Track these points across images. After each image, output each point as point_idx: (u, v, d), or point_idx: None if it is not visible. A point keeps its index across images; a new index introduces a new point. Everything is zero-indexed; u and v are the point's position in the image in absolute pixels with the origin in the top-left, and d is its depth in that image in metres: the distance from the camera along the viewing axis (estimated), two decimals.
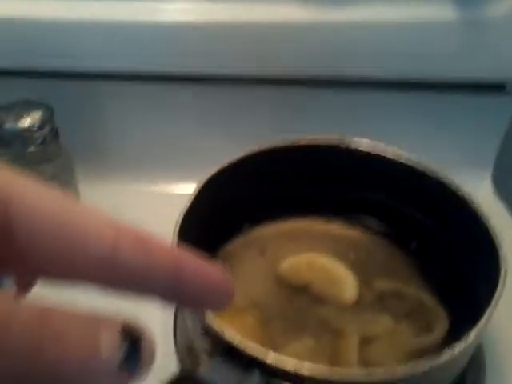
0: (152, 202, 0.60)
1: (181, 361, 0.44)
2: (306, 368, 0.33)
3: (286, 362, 0.33)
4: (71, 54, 0.56)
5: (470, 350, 0.38)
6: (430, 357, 0.41)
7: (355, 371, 0.32)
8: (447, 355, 0.34)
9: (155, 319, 0.48)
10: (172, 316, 0.47)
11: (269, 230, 0.52)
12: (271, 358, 0.33)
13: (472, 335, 0.35)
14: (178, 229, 0.41)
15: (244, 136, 0.55)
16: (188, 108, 0.60)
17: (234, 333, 0.35)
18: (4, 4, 0.55)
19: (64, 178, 0.55)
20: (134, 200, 0.61)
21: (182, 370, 0.34)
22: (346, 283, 0.47)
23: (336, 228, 0.52)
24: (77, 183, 0.58)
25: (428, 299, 0.46)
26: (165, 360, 0.43)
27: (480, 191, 0.62)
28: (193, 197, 0.43)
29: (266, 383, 0.33)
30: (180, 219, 0.42)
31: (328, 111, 0.60)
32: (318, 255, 0.49)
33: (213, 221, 0.48)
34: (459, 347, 0.35)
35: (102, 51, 0.56)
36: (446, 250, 0.47)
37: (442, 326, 0.44)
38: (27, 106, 0.51)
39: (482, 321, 0.35)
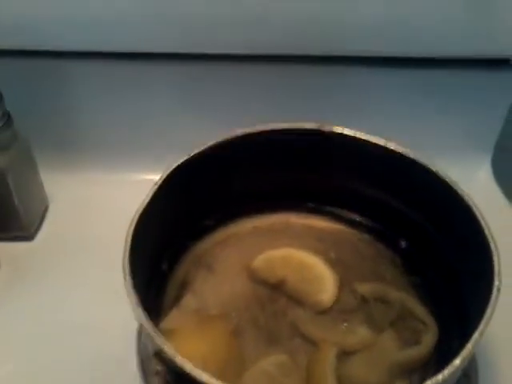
0: (123, 191, 0.56)
1: (144, 372, 0.41)
2: None
3: None
4: (22, 31, 0.50)
5: (458, 372, 0.34)
6: (415, 374, 0.38)
7: None
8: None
9: (119, 326, 0.44)
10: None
11: (243, 227, 0.48)
12: None
13: (459, 360, 0.31)
14: (131, 232, 0.36)
15: (220, 120, 0.50)
16: (157, 91, 0.55)
17: (191, 353, 0.31)
18: None
19: (23, 169, 0.50)
20: (103, 189, 0.57)
21: None
22: (324, 282, 0.43)
23: (317, 223, 0.48)
24: (38, 173, 0.54)
25: (416, 306, 0.41)
26: (128, 368, 0.41)
27: (479, 176, 0.58)
28: (150, 194, 0.39)
29: None
30: (134, 221, 0.37)
31: (310, 91, 0.55)
32: (294, 250, 0.45)
33: (178, 219, 0.43)
34: (444, 374, 0.30)
35: (56, 26, 0.50)
36: (438, 252, 0.42)
37: (430, 337, 0.39)
38: None
39: (469, 345, 0.30)
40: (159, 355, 0.32)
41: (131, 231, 0.36)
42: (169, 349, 0.30)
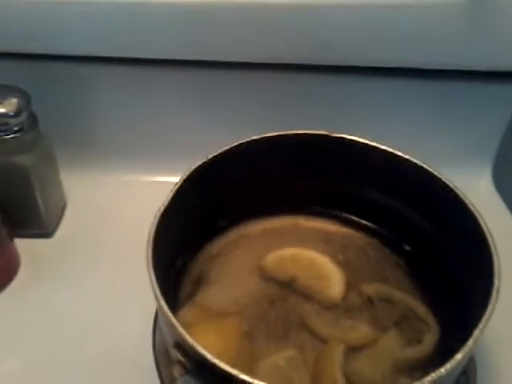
0: (138, 192, 0.58)
1: (159, 368, 0.43)
2: None
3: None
4: (48, 36, 0.52)
5: (459, 367, 0.36)
6: (417, 371, 0.40)
7: None
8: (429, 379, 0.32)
9: (135, 323, 0.47)
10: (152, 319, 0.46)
11: (254, 228, 0.50)
12: (243, 377, 0.31)
13: (460, 355, 0.33)
14: (154, 229, 0.39)
15: (231, 125, 0.53)
16: (175, 94, 0.57)
17: (206, 347, 0.33)
18: None
19: (45, 168, 0.52)
20: (119, 189, 0.59)
21: None
22: (333, 279, 0.45)
23: (325, 226, 0.50)
24: (59, 172, 0.56)
25: (419, 307, 0.43)
26: (143, 365, 0.42)
27: (479, 185, 0.60)
28: (171, 195, 0.41)
29: None
30: (156, 219, 0.39)
31: (319, 100, 0.57)
32: (303, 249, 0.47)
33: (194, 219, 0.45)
34: (446, 368, 0.32)
35: (80, 32, 0.52)
36: (440, 255, 0.45)
37: (432, 336, 0.41)
38: (2, 92, 0.48)
39: (470, 341, 0.33)
40: (180, 345, 0.34)
41: (154, 228, 0.38)
42: (190, 338, 0.33)
